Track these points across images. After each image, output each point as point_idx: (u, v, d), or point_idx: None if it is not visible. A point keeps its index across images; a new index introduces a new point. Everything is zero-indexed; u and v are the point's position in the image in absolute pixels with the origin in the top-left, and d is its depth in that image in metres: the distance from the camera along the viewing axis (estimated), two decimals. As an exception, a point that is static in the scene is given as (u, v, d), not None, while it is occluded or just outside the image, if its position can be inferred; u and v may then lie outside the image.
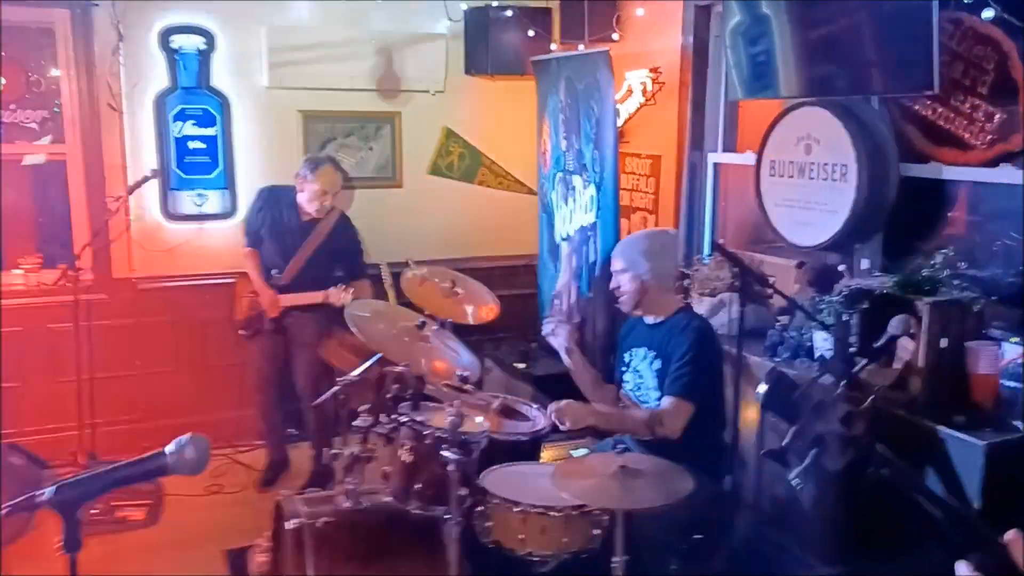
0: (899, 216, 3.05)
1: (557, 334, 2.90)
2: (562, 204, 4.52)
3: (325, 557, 2.36)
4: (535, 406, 2.87)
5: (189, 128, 4.38)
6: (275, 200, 4.00)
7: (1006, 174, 2.74)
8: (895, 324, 2.26)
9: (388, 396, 2.62)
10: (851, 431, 0.98)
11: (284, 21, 4.43)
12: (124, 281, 4.35)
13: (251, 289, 4.00)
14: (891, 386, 2.57)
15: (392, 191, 4.84)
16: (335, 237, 3.96)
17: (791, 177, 3.33)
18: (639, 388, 2.75)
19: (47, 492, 1.13)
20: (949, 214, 3.05)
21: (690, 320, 2.71)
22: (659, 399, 2.63)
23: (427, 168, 4.93)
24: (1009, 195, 2.71)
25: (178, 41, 4.29)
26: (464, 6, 4.68)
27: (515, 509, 2.24)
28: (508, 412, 2.85)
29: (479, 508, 2.31)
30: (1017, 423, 2.40)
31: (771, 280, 2.92)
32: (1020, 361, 2.53)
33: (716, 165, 4.08)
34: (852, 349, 2.60)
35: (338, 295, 3.75)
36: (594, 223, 4.18)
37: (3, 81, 4.14)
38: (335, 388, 2.83)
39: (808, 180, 3.25)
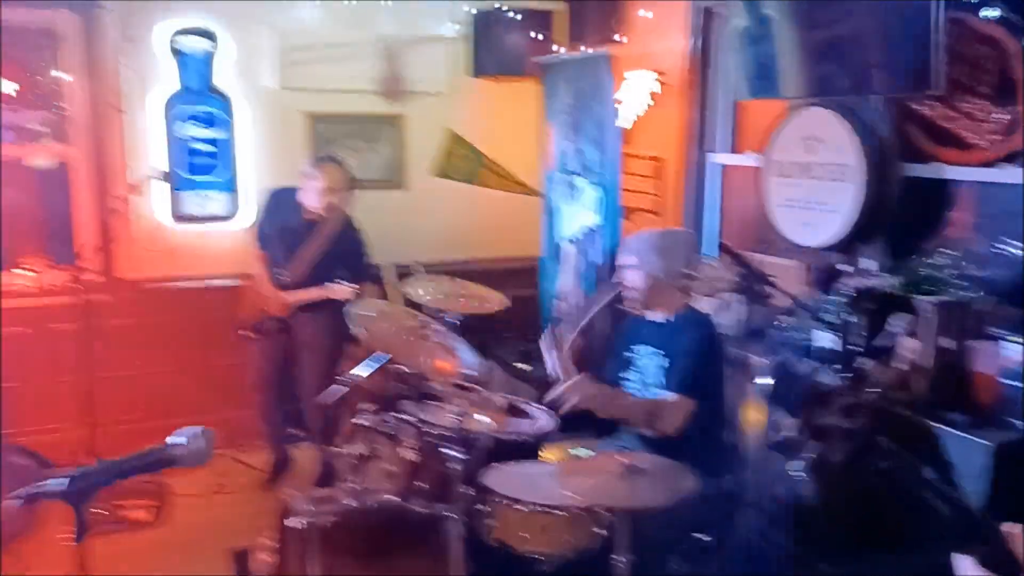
0: (902, 216, 3.05)
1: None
2: (566, 205, 4.53)
3: (328, 555, 2.36)
4: (538, 406, 2.88)
5: (194, 130, 4.41)
6: (284, 202, 4.02)
7: (1008, 174, 2.74)
8: (897, 323, 2.26)
9: (391, 395, 2.63)
10: (852, 423, 0.98)
11: (289, 23, 4.46)
12: (128, 282, 4.37)
13: (259, 291, 4.02)
14: (893, 386, 2.57)
15: (396, 192, 4.86)
16: (340, 237, 3.97)
17: (794, 177, 3.34)
18: (643, 386, 2.75)
19: (61, 483, 1.14)
20: (951, 214, 3.04)
21: (696, 319, 2.71)
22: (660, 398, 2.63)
23: (431, 170, 4.95)
24: (1010, 195, 2.72)
25: (183, 43, 4.32)
26: (469, 9, 4.69)
27: (518, 507, 2.24)
28: (511, 411, 2.85)
29: (482, 506, 2.32)
30: (1019, 422, 2.40)
31: (774, 280, 2.91)
32: (1022, 361, 2.53)
33: (720, 166, 4.09)
34: (855, 348, 2.60)
35: (341, 291, 3.76)
36: (598, 224, 4.19)
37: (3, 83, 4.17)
38: (340, 388, 2.84)
39: (811, 180, 3.25)
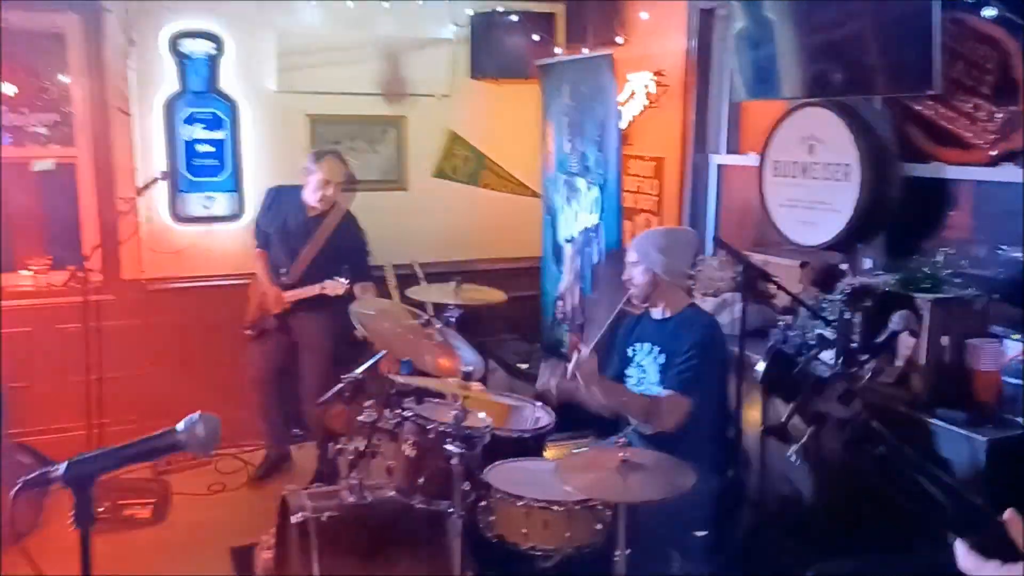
0: (901, 216, 3.06)
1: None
2: (565, 206, 4.55)
3: (330, 551, 2.38)
4: (538, 404, 2.89)
5: (198, 131, 4.43)
6: (283, 199, 4.04)
7: (1008, 173, 2.75)
8: (896, 320, 2.27)
9: (392, 392, 2.64)
10: (849, 409, 0.99)
11: (292, 26, 4.48)
12: (133, 282, 4.39)
13: (261, 291, 4.04)
14: (893, 383, 2.58)
15: (397, 194, 4.88)
16: (340, 234, 3.99)
17: (794, 177, 3.35)
18: (642, 383, 2.76)
19: (59, 468, 1.16)
20: (950, 213, 3.05)
21: (698, 317, 2.73)
22: (659, 395, 2.65)
23: (432, 171, 4.97)
24: (1010, 194, 2.73)
25: (187, 45, 4.35)
26: (470, 11, 4.72)
27: (518, 503, 2.25)
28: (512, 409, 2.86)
29: (482, 502, 2.33)
30: (1019, 419, 2.41)
31: (773, 277, 2.93)
32: (1022, 358, 2.54)
33: (719, 167, 4.10)
34: (854, 345, 2.60)
35: (335, 286, 3.77)
36: (597, 225, 4.20)
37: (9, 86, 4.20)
38: (339, 386, 2.85)
39: (811, 180, 3.27)
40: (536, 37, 4.60)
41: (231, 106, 4.47)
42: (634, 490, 2.07)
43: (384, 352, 3.04)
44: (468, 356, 2.94)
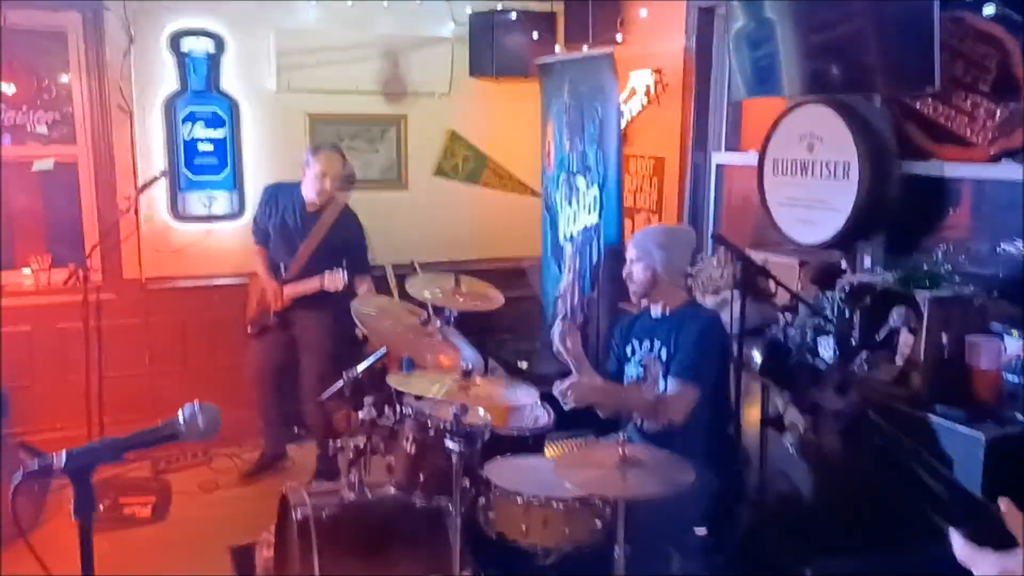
0: (901, 214, 3.07)
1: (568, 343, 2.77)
2: (566, 205, 4.55)
3: (330, 548, 2.37)
4: (536, 402, 2.89)
5: (198, 130, 4.44)
6: (281, 195, 4.04)
7: (1007, 170, 2.75)
8: (895, 317, 2.27)
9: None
10: (844, 399, 0.99)
11: (292, 25, 4.49)
12: (133, 281, 4.39)
13: (261, 288, 4.04)
14: (893, 381, 2.58)
15: (397, 193, 4.89)
16: (339, 228, 3.98)
17: (794, 175, 3.35)
18: (642, 379, 2.76)
19: (60, 457, 1.16)
20: (950, 211, 3.06)
21: (699, 311, 2.74)
22: (664, 388, 2.65)
23: (432, 170, 4.98)
24: (1009, 192, 2.73)
25: (188, 44, 4.36)
26: (469, 10, 4.73)
27: (518, 500, 2.25)
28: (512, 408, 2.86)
29: (482, 499, 2.33)
30: (1019, 416, 2.41)
31: (771, 272, 2.93)
32: (1021, 356, 2.54)
33: (719, 165, 4.11)
34: (853, 342, 2.61)
35: (333, 279, 3.77)
36: (597, 224, 4.20)
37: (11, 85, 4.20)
38: (340, 384, 2.86)
39: (811, 178, 3.27)
40: (536, 36, 4.61)
41: (231, 105, 4.48)
42: (633, 486, 2.08)
43: (384, 350, 3.05)
44: (468, 354, 2.94)
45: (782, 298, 3.19)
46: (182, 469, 4.19)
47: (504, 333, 4.89)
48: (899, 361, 2.59)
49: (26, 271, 4.29)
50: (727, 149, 4.07)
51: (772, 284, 3.01)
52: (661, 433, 2.61)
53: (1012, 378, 2.52)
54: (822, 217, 3.21)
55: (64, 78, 4.31)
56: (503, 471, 2.40)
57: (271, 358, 4.10)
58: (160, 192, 4.38)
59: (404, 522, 2.46)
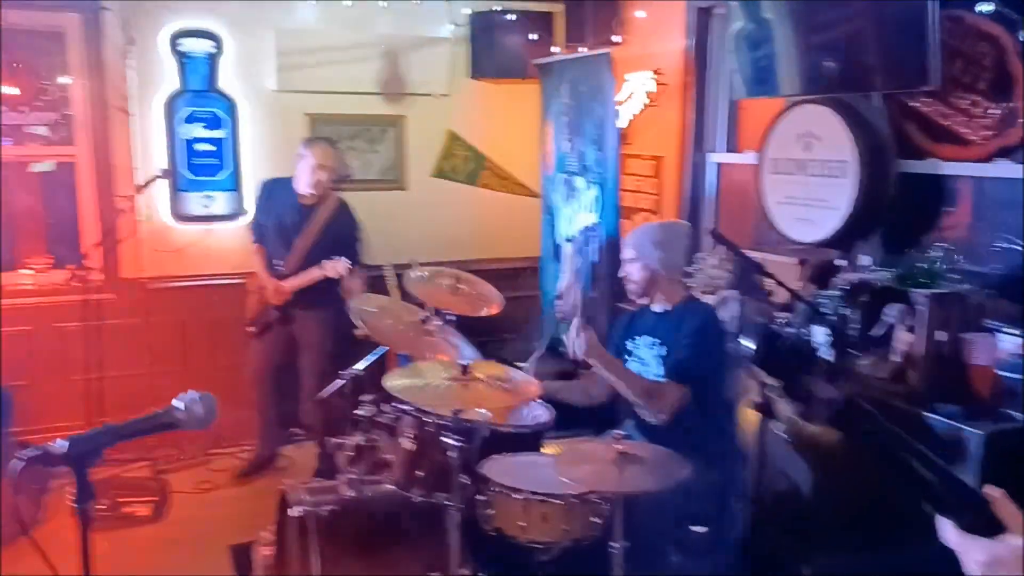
0: (899, 212, 3.07)
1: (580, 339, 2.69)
2: (565, 205, 4.56)
3: (329, 545, 2.38)
4: (537, 401, 2.89)
5: (197, 130, 4.45)
6: (276, 191, 4.05)
7: (1004, 169, 2.76)
8: (892, 313, 2.28)
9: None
10: (835, 387, 1.00)
11: (291, 25, 4.50)
12: (133, 281, 4.40)
13: (260, 285, 4.05)
14: (890, 378, 2.59)
15: (397, 193, 4.89)
16: (336, 222, 3.99)
17: (791, 174, 3.36)
18: (642, 376, 2.76)
19: (62, 445, 1.17)
20: (947, 209, 3.07)
21: (696, 308, 2.74)
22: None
23: (432, 171, 4.99)
24: (1008, 190, 2.74)
25: (187, 45, 4.37)
26: (468, 11, 4.74)
27: (516, 496, 2.26)
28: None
29: (480, 496, 2.34)
30: (1015, 413, 2.42)
31: (769, 270, 2.93)
32: (1018, 352, 2.54)
33: (718, 165, 4.12)
34: (850, 339, 2.62)
35: (334, 266, 3.77)
36: (596, 224, 4.21)
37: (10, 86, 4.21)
38: (340, 382, 2.87)
39: (808, 177, 3.28)
40: (535, 36, 4.62)
41: (231, 105, 4.49)
42: (630, 481, 2.08)
43: (385, 348, 3.06)
44: (467, 352, 2.95)
45: (781, 297, 3.19)
46: (182, 469, 4.20)
47: (505, 334, 4.89)
48: (897, 358, 2.60)
49: (26, 272, 4.29)
50: (726, 149, 4.08)
51: (770, 282, 3.01)
52: (660, 430, 2.61)
53: (1009, 375, 2.53)
54: (820, 216, 3.23)
55: (63, 79, 4.32)
56: (501, 468, 2.40)
57: (271, 358, 4.11)
58: (160, 192, 4.39)
59: (403, 519, 2.47)
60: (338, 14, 4.56)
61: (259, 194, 4.13)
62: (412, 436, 2.43)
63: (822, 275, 3.14)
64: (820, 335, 2.81)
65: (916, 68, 2.73)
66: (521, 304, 4.85)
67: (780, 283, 2.79)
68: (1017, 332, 2.60)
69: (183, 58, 4.37)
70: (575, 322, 2.57)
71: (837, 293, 2.74)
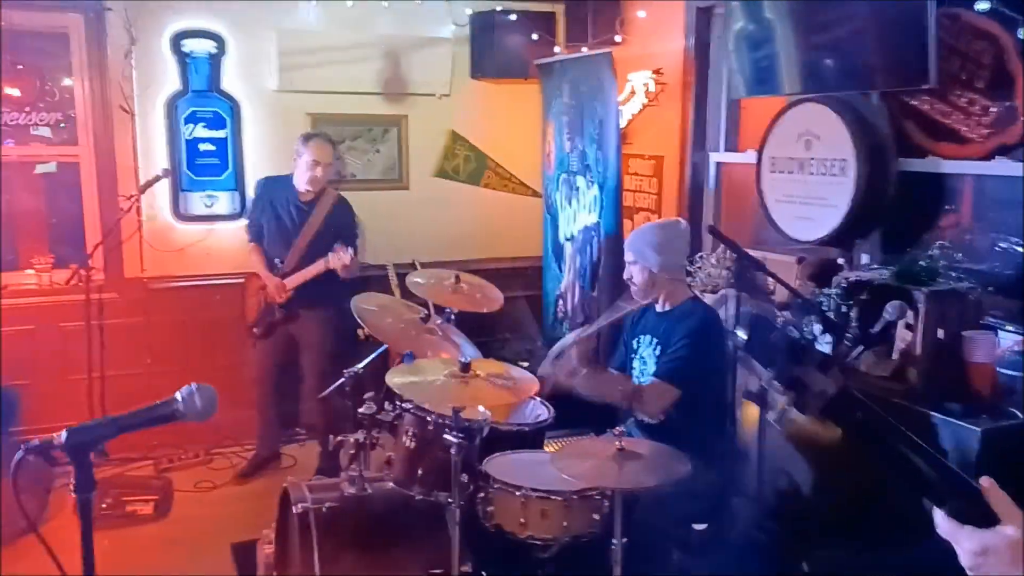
0: (898, 210, 3.08)
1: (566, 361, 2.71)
2: (566, 205, 4.57)
3: (330, 542, 2.39)
4: (537, 399, 2.90)
5: (199, 130, 4.46)
6: (273, 188, 4.06)
7: (1003, 167, 2.77)
8: (890, 310, 2.29)
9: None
10: (827, 377, 1.01)
11: (293, 25, 4.51)
12: (135, 281, 4.41)
13: (260, 286, 4.06)
14: (889, 376, 2.60)
15: (398, 193, 4.90)
16: (334, 218, 4.00)
17: (791, 173, 3.37)
18: (643, 375, 2.78)
19: (61, 435, 1.18)
20: (947, 207, 3.07)
21: (695, 309, 2.75)
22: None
23: (433, 170, 5.00)
24: (1007, 188, 2.74)
25: (189, 45, 4.38)
26: (469, 11, 4.75)
27: (516, 494, 2.27)
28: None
29: (481, 493, 2.35)
30: (1015, 410, 2.42)
31: (768, 268, 2.94)
32: (1017, 349, 2.55)
33: (718, 165, 4.13)
34: (850, 337, 2.62)
35: (337, 258, 3.77)
36: (597, 223, 4.22)
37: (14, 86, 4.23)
38: (341, 381, 2.87)
39: (808, 176, 3.29)
40: (535, 36, 4.63)
41: (232, 105, 4.51)
42: (629, 478, 2.09)
43: (385, 347, 3.07)
44: (468, 351, 2.96)
45: (781, 296, 3.20)
46: (184, 468, 4.21)
47: (506, 333, 4.91)
48: (896, 356, 2.60)
49: (29, 272, 4.31)
50: (726, 148, 4.08)
51: (770, 280, 3.02)
52: (660, 428, 2.62)
53: (1008, 372, 2.54)
54: (820, 214, 3.23)
55: (66, 79, 4.34)
56: (501, 465, 2.41)
57: (273, 358, 4.12)
58: (162, 192, 4.41)
59: (404, 516, 2.48)
60: (339, 14, 4.57)
61: (256, 192, 4.14)
62: (413, 434, 2.44)
63: (822, 273, 3.15)
64: (819, 332, 2.82)
65: (915, 67, 2.74)
66: (523, 304, 4.87)
67: (780, 281, 2.80)
68: (1016, 329, 2.61)
69: (185, 58, 4.38)
70: (570, 336, 2.59)
71: (837, 291, 2.75)
